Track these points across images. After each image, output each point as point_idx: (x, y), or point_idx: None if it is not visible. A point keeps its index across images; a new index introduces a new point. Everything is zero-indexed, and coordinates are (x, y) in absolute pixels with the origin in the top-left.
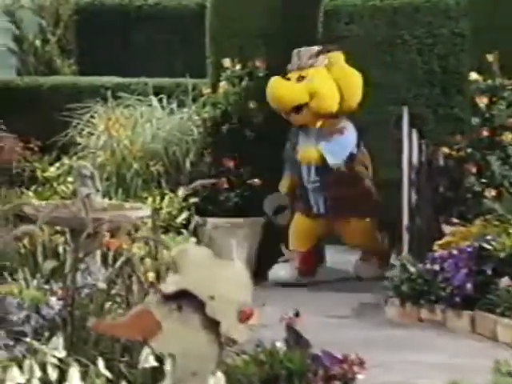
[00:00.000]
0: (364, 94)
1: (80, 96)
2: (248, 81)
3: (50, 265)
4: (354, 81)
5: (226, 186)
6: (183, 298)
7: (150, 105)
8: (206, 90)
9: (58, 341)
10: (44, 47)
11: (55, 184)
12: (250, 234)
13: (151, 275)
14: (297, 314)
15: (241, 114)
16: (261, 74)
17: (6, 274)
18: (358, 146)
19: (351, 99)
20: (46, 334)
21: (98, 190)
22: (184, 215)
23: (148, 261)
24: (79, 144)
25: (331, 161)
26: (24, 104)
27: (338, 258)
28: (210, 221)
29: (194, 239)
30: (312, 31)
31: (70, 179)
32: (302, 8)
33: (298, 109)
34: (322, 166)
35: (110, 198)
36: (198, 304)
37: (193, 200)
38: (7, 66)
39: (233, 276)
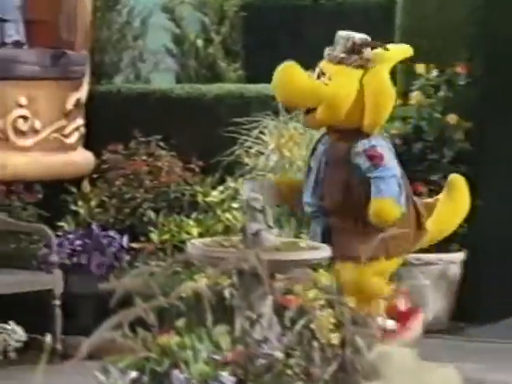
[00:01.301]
0: None
1: (247, 108)
2: (446, 90)
3: (221, 330)
4: (385, 102)
5: None
6: None
7: None
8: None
9: None
10: (207, 48)
11: (218, 211)
12: (446, 272)
13: (334, 337)
14: None
15: (437, 131)
16: (462, 83)
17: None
18: None
19: (372, 119)
20: None
21: (270, 227)
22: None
23: (328, 316)
24: (246, 164)
25: None
26: (184, 117)
27: None
28: None
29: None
30: None
31: (234, 205)
32: None
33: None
34: None
35: (281, 228)
36: None
37: None
38: (165, 69)
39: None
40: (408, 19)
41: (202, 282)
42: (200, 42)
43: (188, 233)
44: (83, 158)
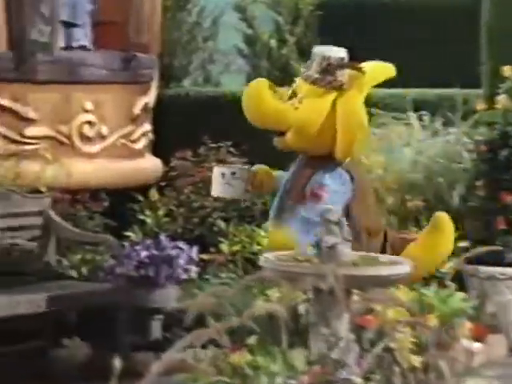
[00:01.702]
0: None
1: None
2: None
3: (299, 354)
4: (355, 129)
5: (503, 226)
6: None
7: (408, 123)
8: (480, 105)
9: None
10: (280, 49)
11: None
12: None
13: (415, 360)
14: None
15: None
16: None
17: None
18: None
19: (343, 147)
20: None
21: (346, 240)
22: (451, 262)
23: (409, 337)
24: None
25: None
26: None
27: None
28: (483, 270)
29: (461, 294)
30: None
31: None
32: None
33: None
34: None
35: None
36: None
37: (462, 244)
38: (236, 71)
39: None
40: (494, 20)
41: (274, 298)
42: (273, 43)
43: (259, 244)
44: (151, 165)
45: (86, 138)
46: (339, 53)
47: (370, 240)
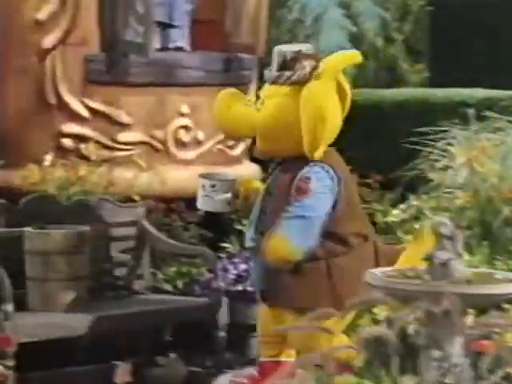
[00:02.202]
0: None
1: (432, 115)
2: None
3: (409, 380)
4: (321, 121)
5: None
6: None
7: None
8: None
9: None
10: (387, 48)
11: (399, 232)
12: None
13: None
14: None
15: None
16: None
17: None
18: None
19: (309, 142)
20: None
21: (459, 255)
22: None
23: None
24: (431, 180)
25: None
26: (361, 126)
27: None
28: None
29: None
30: None
31: (417, 226)
32: None
33: None
34: None
35: (471, 254)
36: None
37: None
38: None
39: None
40: None
41: (382, 317)
42: (379, 41)
43: None
44: (249, 172)
45: (181, 144)
46: (295, 47)
47: (360, 247)
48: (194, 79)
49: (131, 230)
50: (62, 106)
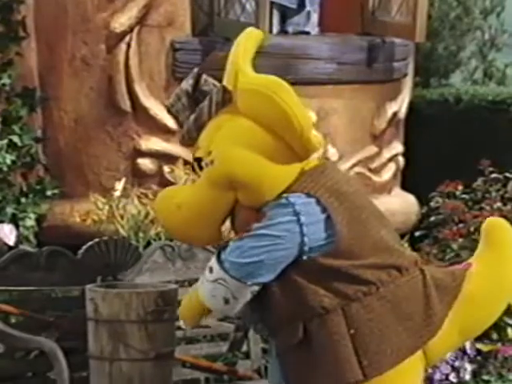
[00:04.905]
0: None
1: None
2: None
3: None
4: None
5: None
6: None
7: None
8: None
9: None
10: None
11: None
12: None
13: None
14: None
15: None
16: None
17: None
18: None
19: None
20: None
21: None
22: None
23: None
24: None
25: None
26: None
27: None
28: None
29: None
30: None
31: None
32: None
33: None
34: None
35: None
36: None
37: None
38: None
39: None
40: None
41: None
42: None
43: None
44: (402, 206)
45: None
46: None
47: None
48: (322, 74)
49: None
50: (140, 112)
